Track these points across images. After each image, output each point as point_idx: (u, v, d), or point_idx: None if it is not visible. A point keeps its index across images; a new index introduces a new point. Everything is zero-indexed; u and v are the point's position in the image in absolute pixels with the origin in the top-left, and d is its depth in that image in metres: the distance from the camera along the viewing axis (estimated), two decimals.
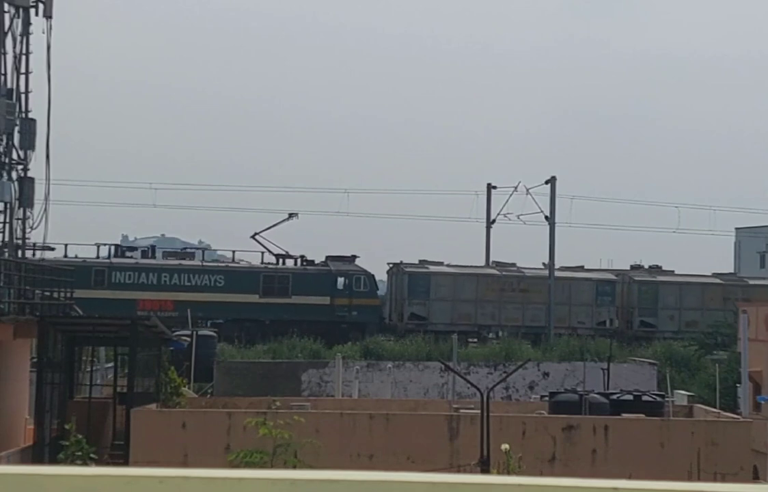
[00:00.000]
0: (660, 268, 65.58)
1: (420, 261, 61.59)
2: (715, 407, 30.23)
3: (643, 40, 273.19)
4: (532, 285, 60.73)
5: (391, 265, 61.52)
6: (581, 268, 63.69)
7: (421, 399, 36.19)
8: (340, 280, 58.18)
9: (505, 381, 35.84)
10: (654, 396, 28.47)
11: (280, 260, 59.09)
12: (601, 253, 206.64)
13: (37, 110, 31.51)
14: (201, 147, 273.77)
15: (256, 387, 36.07)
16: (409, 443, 23.72)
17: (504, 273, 61.21)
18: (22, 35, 31.30)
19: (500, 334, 59.03)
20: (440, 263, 61.28)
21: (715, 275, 64.99)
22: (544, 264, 63.64)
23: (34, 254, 37.62)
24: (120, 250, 60.20)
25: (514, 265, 62.68)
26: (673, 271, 65.20)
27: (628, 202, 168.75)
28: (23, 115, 31.30)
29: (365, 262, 61.19)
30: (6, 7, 30.99)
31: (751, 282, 63.83)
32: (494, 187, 68.50)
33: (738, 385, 35.20)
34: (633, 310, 61.69)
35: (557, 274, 61.90)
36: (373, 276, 60.39)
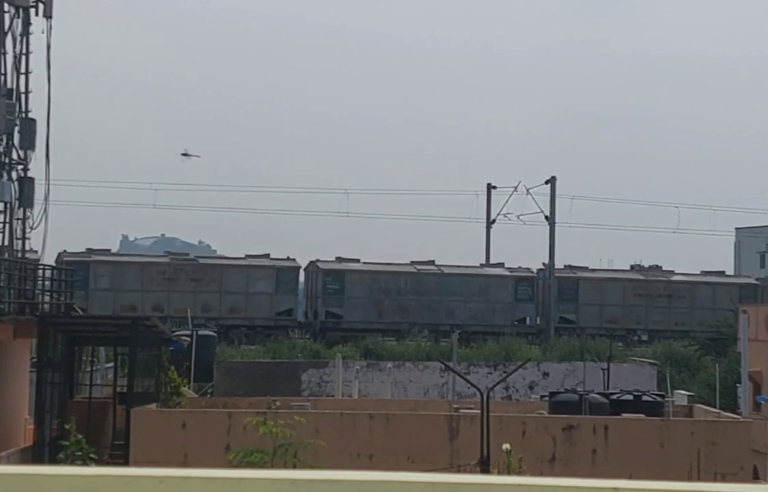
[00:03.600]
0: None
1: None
2: (715, 407, 30.22)
3: (643, 40, 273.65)
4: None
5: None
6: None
7: (421, 399, 36.20)
8: None
9: (505, 381, 35.84)
10: (654, 396, 28.47)
11: None
12: (601, 253, 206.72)
13: (37, 110, 31.51)
14: (201, 147, 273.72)
15: (256, 387, 36.05)
16: (409, 443, 23.73)
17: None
18: (22, 35, 31.28)
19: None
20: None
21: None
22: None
23: None
24: None
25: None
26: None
27: (628, 202, 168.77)
28: (23, 115, 31.28)
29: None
30: (6, 7, 30.98)
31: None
32: (494, 187, 68.49)
33: (738, 385, 35.22)
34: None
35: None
36: None
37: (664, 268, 65.39)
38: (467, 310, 59.06)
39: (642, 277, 62.55)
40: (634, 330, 60.22)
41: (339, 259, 60.53)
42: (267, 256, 59.70)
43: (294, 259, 60.31)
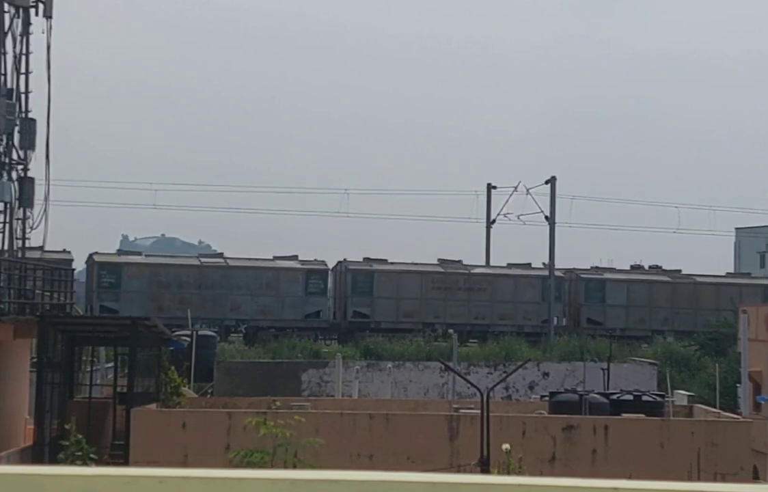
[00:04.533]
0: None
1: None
2: (715, 407, 30.23)
3: (643, 40, 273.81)
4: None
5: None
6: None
7: (421, 399, 36.20)
8: None
9: (505, 381, 35.83)
10: (654, 396, 28.48)
11: None
12: (601, 253, 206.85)
13: (37, 110, 31.53)
14: (201, 147, 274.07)
15: (256, 387, 36.06)
16: (409, 443, 23.73)
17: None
18: (22, 35, 31.30)
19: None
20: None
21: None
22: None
23: None
24: None
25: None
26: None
27: (628, 202, 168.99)
28: (23, 115, 31.30)
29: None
30: (6, 7, 30.99)
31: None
32: (494, 187, 68.55)
33: (738, 385, 35.22)
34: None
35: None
36: None
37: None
38: (254, 304, 57.03)
39: (441, 270, 60.44)
40: (432, 324, 58.36)
41: (119, 252, 59.38)
42: (40, 248, 58.38)
43: (69, 252, 59.05)
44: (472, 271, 60.73)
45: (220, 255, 60.00)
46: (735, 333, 40.84)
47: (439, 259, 62.45)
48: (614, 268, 63.83)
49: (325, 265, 60.57)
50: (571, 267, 63.85)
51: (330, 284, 60.01)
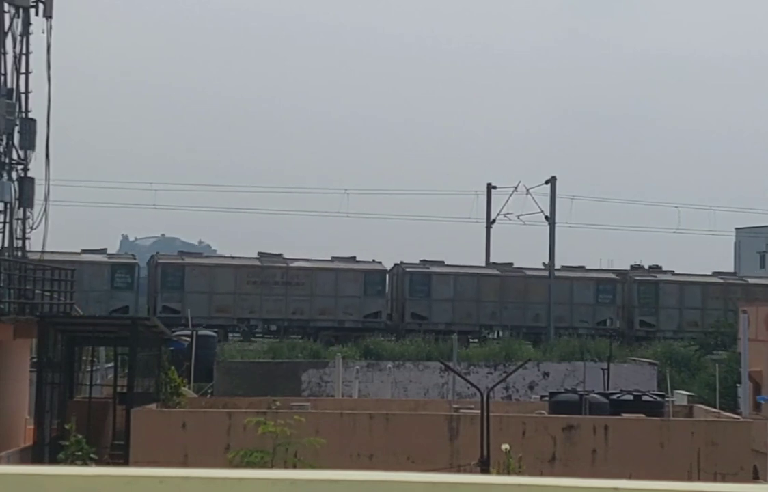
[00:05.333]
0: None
1: None
2: (715, 407, 30.24)
3: (643, 40, 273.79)
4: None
5: None
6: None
7: (421, 399, 36.21)
8: None
9: (505, 381, 35.83)
10: (654, 396, 28.49)
11: None
12: (601, 253, 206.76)
13: (37, 110, 31.51)
14: (201, 147, 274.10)
15: (256, 387, 36.06)
16: (409, 443, 23.73)
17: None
18: (22, 35, 31.29)
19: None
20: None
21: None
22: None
23: None
24: None
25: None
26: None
27: (628, 202, 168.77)
28: (23, 115, 31.29)
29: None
30: (6, 7, 30.98)
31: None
32: (494, 187, 68.52)
33: (738, 385, 35.23)
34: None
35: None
36: None
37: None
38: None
39: (258, 263, 58.72)
40: (248, 319, 57.40)
41: None
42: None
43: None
44: (291, 265, 58.88)
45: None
46: (735, 333, 40.86)
47: (258, 253, 60.42)
48: (441, 262, 61.31)
49: (134, 258, 58.82)
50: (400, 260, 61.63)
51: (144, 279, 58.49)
